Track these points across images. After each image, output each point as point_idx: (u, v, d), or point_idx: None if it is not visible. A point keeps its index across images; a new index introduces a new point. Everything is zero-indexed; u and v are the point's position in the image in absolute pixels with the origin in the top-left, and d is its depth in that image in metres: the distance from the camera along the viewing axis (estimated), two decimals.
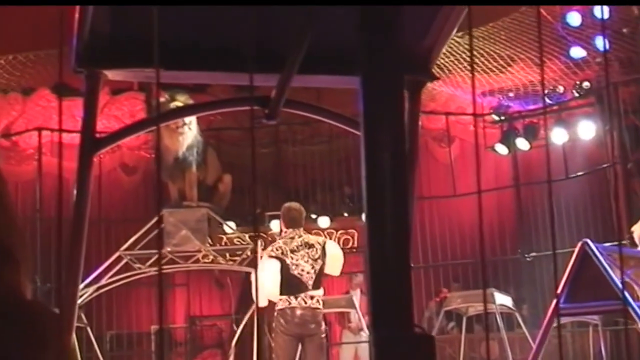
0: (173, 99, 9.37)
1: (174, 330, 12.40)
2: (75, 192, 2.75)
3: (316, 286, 7.22)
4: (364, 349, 11.40)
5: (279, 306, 7.13)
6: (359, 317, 10.63)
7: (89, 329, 9.72)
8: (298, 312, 7.06)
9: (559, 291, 6.20)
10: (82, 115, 2.75)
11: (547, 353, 6.98)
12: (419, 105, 2.76)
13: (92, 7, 2.48)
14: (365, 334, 10.90)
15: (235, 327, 10.64)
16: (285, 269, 7.12)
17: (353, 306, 10.07)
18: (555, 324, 6.45)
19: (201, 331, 12.61)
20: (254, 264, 8.04)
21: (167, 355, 12.10)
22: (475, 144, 11.48)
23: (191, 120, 9.81)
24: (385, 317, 1.58)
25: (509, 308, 10.14)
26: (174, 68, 2.63)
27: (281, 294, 7.07)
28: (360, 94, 1.74)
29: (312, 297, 7.15)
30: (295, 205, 7.72)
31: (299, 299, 7.08)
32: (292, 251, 7.17)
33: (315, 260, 7.19)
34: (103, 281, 10.13)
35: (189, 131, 9.90)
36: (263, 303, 7.38)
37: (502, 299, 9.87)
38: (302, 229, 7.42)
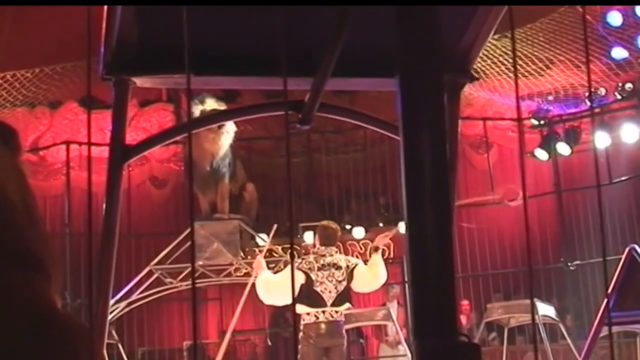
0: (202, 103, 9.16)
1: (206, 346, 12.17)
2: (104, 203, 2.71)
3: (339, 303, 7.39)
4: None
5: (306, 320, 7.33)
6: (396, 329, 10.33)
7: (120, 345, 9.52)
8: (323, 326, 7.28)
9: (606, 300, 5.87)
10: (112, 123, 2.70)
11: None
12: (458, 107, 2.71)
13: (119, 14, 2.44)
14: (403, 348, 10.60)
15: (269, 342, 10.37)
16: (308, 283, 7.30)
17: (390, 319, 9.77)
18: (602, 334, 6.17)
19: (234, 346, 12.36)
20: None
21: None
22: (520, 149, 11.16)
23: (229, 123, 9.63)
24: (428, 324, 1.51)
25: (552, 319, 9.82)
26: (204, 73, 2.57)
27: (305, 305, 7.29)
28: (399, 96, 1.67)
29: (337, 312, 7.38)
30: (332, 224, 7.87)
31: (326, 313, 7.30)
32: (319, 268, 7.36)
33: (340, 282, 7.37)
34: (134, 296, 9.95)
35: (227, 134, 9.74)
36: (276, 302, 7.74)
37: (545, 309, 9.56)
38: (334, 249, 7.58)
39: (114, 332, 9.39)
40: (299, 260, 7.63)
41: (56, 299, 1.69)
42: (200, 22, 2.48)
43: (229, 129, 9.76)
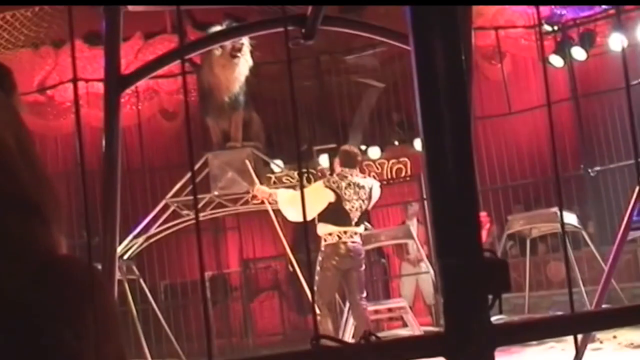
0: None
1: (228, 275, 12.19)
2: (104, 136, 2.59)
3: (359, 223, 7.54)
4: (425, 280, 11.08)
5: (329, 241, 7.42)
6: (417, 247, 10.28)
7: (141, 281, 9.51)
8: (349, 245, 7.40)
9: (631, 204, 5.72)
10: (104, 52, 2.59)
11: (617, 269, 6.58)
12: (470, 15, 2.57)
13: None
14: (425, 265, 10.57)
15: (290, 268, 10.35)
16: (338, 202, 7.39)
17: (411, 236, 9.72)
18: (629, 239, 6.04)
19: (256, 274, 12.38)
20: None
21: (224, 301, 11.90)
22: (540, 51, 10.87)
23: (245, 49, 9.45)
24: (451, 243, 1.46)
25: (575, 226, 9.75)
26: None
27: (330, 224, 7.38)
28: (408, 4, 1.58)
29: (356, 233, 7.49)
30: (352, 148, 8.00)
31: (348, 234, 7.40)
32: (346, 187, 7.45)
33: (363, 200, 7.50)
34: (152, 230, 9.93)
35: (244, 61, 9.56)
36: (298, 218, 7.57)
37: (568, 218, 9.48)
38: (356, 171, 7.65)
39: (134, 268, 9.37)
40: (325, 179, 7.81)
41: (60, 241, 1.70)
42: None
43: (246, 56, 9.58)
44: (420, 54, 1.56)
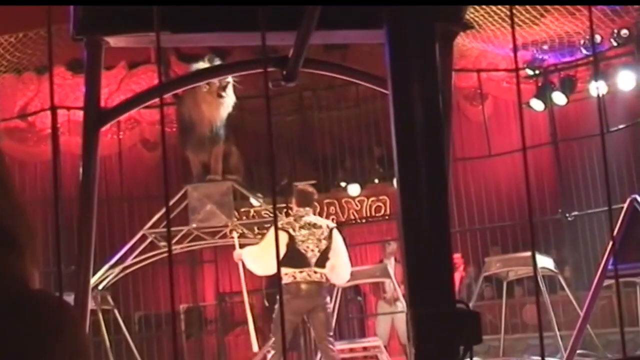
0: (210, 62, 9.00)
1: (204, 308, 12.12)
2: (81, 169, 2.61)
3: (320, 264, 7.38)
4: (401, 320, 11.04)
5: (285, 281, 7.30)
6: (394, 286, 10.27)
7: (116, 311, 9.43)
8: (303, 286, 7.26)
9: (607, 251, 5.76)
10: (85, 86, 2.59)
11: (592, 315, 6.61)
12: (451, 57, 2.61)
13: None
14: (401, 304, 10.55)
15: (266, 303, 10.30)
16: (291, 243, 7.32)
17: (388, 275, 9.72)
18: (605, 285, 6.07)
19: (232, 308, 12.30)
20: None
21: (198, 334, 11.82)
22: (518, 99, 10.96)
23: (229, 87, 9.47)
24: (423, 291, 1.46)
25: (551, 270, 9.77)
26: (180, 30, 2.42)
27: (286, 266, 7.26)
28: (387, 46, 1.58)
29: (315, 272, 7.34)
30: (308, 187, 8.10)
31: (303, 273, 7.28)
32: (300, 228, 7.39)
33: (320, 240, 7.39)
34: (128, 261, 9.86)
35: (228, 99, 9.58)
36: (264, 272, 7.72)
37: (544, 261, 9.51)
38: (311, 210, 7.66)
39: (109, 298, 9.30)
40: (279, 222, 7.62)
41: (32, 273, 1.63)
42: None
43: (229, 92, 9.59)
44: (398, 98, 1.57)
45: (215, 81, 9.18)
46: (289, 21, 2.33)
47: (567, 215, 11.32)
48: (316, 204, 12.24)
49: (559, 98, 11.32)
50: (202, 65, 9.18)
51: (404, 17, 1.61)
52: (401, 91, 1.57)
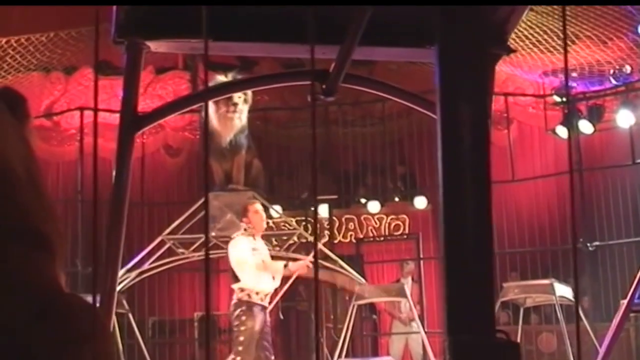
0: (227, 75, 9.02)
1: (218, 317, 12.07)
2: (114, 174, 2.62)
3: (234, 280, 7.49)
4: (415, 340, 10.97)
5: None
6: (410, 306, 10.20)
7: (130, 315, 9.42)
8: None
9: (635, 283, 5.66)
10: (123, 90, 2.57)
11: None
12: (493, 81, 2.56)
13: None
14: (416, 325, 10.48)
15: (281, 316, 10.27)
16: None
17: (404, 295, 9.66)
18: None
19: None
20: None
21: (212, 343, 11.78)
22: (544, 125, 10.91)
23: (243, 108, 9.46)
24: (464, 320, 1.43)
25: (569, 300, 9.68)
26: (223, 39, 2.41)
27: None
28: (437, 67, 1.57)
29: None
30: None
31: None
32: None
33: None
34: (145, 266, 9.85)
35: (238, 118, 9.56)
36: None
37: (563, 290, 9.42)
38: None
39: (124, 302, 9.29)
40: None
41: (60, 276, 1.63)
42: None
43: (243, 115, 9.59)
44: (446, 120, 1.56)
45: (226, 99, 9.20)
46: (331, 35, 2.31)
47: (589, 245, 11.21)
48: (335, 218, 12.27)
49: (585, 126, 11.24)
50: (223, 79, 9.22)
51: (456, 38, 1.60)
52: (451, 112, 1.57)
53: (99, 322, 1.58)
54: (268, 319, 7.29)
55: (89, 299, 1.57)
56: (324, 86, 2.56)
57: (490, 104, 2.63)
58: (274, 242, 10.35)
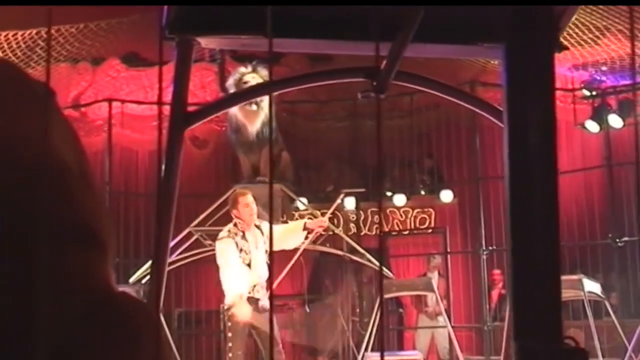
0: (254, 71, 9.02)
1: None
2: (163, 172, 2.61)
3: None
4: (442, 335, 10.95)
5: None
6: (437, 300, 10.16)
7: None
8: None
9: None
10: (173, 86, 2.54)
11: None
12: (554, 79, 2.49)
13: None
14: (443, 319, 10.45)
15: (307, 309, 10.26)
16: None
17: (432, 289, 9.61)
18: None
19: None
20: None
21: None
22: (573, 119, 10.81)
23: (263, 99, 9.46)
24: (531, 325, 1.41)
25: (598, 295, 9.61)
26: (277, 35, 2.32)
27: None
28: (505, 65, 1.53)
29: None
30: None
31: None
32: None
33: None
34: (173, 257, 9.86)
35: (262, 110, 9.55)
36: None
37: (591, 286, 9.35)
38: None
39: None
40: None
41: (112, 274, 1.59)
42: None
43: (262, 112, 9.58)
44: (514, 119, 1.54)
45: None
46: (382, 31, 2.28)
47: (617, 240, 11.13)
48: (361, 212, 12.24)
49: (615, 121, 11.14)
50: (244, 70, 9.23)
51: (526, 36, 1.57)
52: (519, 111, 1.54)
53: (151, 323, 1.56)
54: (264, 306, 7.10)
55: (127, 289, 1.55)
56: (374, 83, 2.54)
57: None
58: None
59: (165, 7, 2.51)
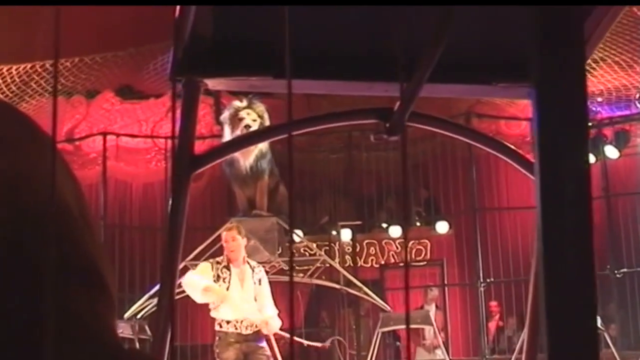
0: (249, 106, 8.98)
1: None
2: (169, 216, 2.46)
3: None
4: None
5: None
6: (434, 333, 10.08)
7: (152, 341, 9.32)
8: None
9: None
10: (180, 128, 2.49)
11: None
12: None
13: (194, 8, 2.22)
14: (440, 352, 10.36)
15: (305, 343, 10.15)
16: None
17: (429, 322, 9.55)
18: None
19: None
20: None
21: None
22: None
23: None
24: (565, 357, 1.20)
25: (597, 327, 9.52)
26: (282, 76, 2.28)
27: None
28: (536, 108, 1.32)
29: None
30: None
31: None
32: None
33: None
34: None
35: (255, 147, 9.48)
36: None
37: None
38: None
39: (147, 328, 9.20)
40: None
41: (115, 321, 1.56)
42: (280, 20, 2.27)
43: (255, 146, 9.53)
44: (546, 169, 1.51)
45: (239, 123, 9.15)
46: (392, 72, 2.24)
47: (616, 271, 11.08)
48: (357, 244, 12.17)
49: (611, 151, 11.14)
50: (239, 105, 9.19)
51: (558, 75, 1.52)
52: (551, 162, 1.51)
53: None
54: (256, 345, 6.98)
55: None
56: (387, 125, 2.49)
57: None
58: (296, 268, 10.28)
59: (172, 50, 2.47)
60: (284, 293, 8.22)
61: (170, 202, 2.67)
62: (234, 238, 7.20)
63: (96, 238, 1.65)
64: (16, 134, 1.70)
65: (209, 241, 9.58)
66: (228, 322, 6.89)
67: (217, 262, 7.17)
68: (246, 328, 6.93)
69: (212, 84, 2.52)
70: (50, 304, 1.02)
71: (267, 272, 9.92)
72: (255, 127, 9.22)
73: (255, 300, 7.08)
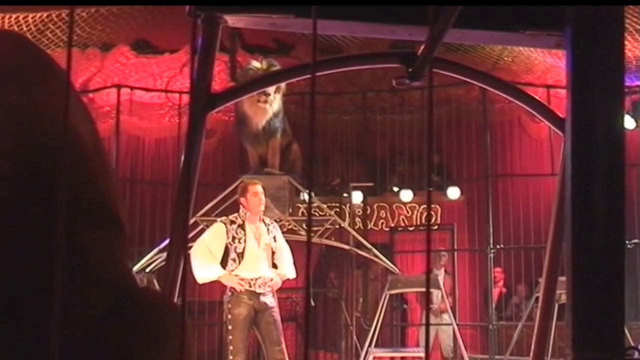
0: (268, 68, 8.89)
1: None
2: (184, 155, 2.56)
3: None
4: (445, 332, 10.87)
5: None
6: (442, 298, 10.09)
7: None
8: None
9: None
10: (197, 66, 2.49)
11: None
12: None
13: None
14: (447, 317, 10.37)
15: (312, 302, 10.18)
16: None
17: (437, 286, 9.56)
18: None
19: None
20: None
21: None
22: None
23: (274, 97, 9.34)
24: (591, 335, 1.37)
25: (624, 299, 9.50)
26: (304, 15, 2.30)
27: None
28: (570, 55, 1.45)
29: None
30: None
31: None
32: None
33: None
34: None
35: (270, 106, 9.43)
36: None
37: None
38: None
39: (155, 282, 9.23)
40: None
41: (129, 261, 1.56)
42: None
43: (275, 103, 9.46)
44: (579, 119, 1.50)
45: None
46: (417, 16, 2.20)
47: (627, 242, 11.01)
48: (367, 206, 12.15)
49: (627, 122, 11.02)
50: (258, 66, 9.12)
51: (593, 19, 1.48)
52: (584, 109, 1.48)
53: (177, 321, 1.50)
54: (267, 303, 7.00)
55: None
56: (410, 69, 2.44)
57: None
58: (304, 226, 10.27)
59: None
60: (294, 252, 8.21)
61: (186, 140, 2.65)
62: (256, 193, 7.25)
63: (111, 177, 1.63)
64: (35, 70, 1.66)
65: (220, 197, 9.57)
66: (242, 279, 6.90)
67: (232, 222, 7.14)
68: (260, 286, 6.94)
69: (232, 20, 2.47)
70: (61, 237, 1.00)
71: None
72: (271, 91, 9.17)
73: (273, 256, 7.09)
